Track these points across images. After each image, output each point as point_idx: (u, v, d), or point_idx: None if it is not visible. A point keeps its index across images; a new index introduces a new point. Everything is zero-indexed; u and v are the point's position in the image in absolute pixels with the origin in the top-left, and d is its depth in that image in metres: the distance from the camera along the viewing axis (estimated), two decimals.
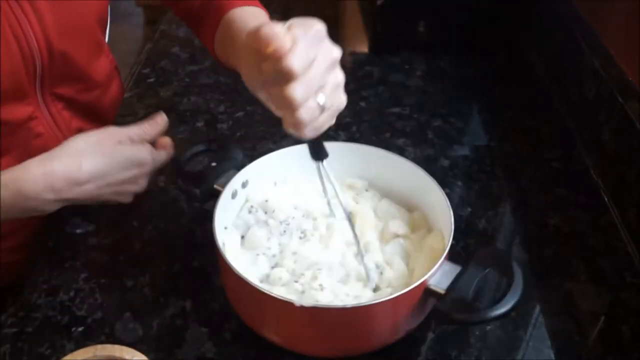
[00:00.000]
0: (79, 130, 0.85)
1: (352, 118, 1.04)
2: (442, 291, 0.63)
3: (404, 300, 0.63)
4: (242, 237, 0.74)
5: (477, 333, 0.71)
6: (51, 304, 0.73)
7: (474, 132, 1.04)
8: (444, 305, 0.62)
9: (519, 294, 0.62)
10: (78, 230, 0.83)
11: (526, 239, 0.84)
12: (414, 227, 0.76)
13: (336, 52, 0.58)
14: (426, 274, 0.63)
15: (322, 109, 0.57)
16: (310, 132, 0.58)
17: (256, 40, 0.53)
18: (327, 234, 0.73)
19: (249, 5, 0.82)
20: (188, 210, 0.86)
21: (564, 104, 1.07)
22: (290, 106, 0.55)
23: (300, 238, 0.72)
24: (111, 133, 0.76)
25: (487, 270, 0.64)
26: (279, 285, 0.68)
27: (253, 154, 0.77)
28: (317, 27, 0.56)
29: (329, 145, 0.65)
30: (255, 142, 0.98)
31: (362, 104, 1.08)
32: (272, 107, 0.60)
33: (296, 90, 0.54)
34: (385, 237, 0.74)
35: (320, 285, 0.66)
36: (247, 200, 0.76)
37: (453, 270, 0.64)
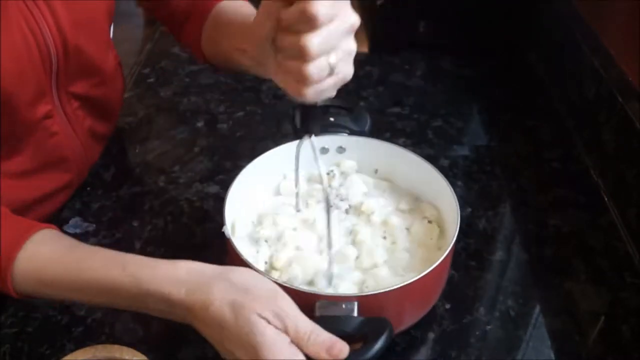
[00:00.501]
0: (90, 129, 0.86)
1: None
2: None
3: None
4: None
5: (477, 333, 0.71)
6: (51, 304, 0.73)
7: (474, 132, 1.04)
8: None
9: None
10: (78, 230, 0.83)
11: (526, 239, 0.84)
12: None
13: (355, 18, 0.57)
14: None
15: (331, 71, 0.56)
16: (312, 94, 0.57)
17: None
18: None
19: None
20: (188, 210, 0.86)
21: (564, 104, 1.07)
22: (303, 56, 0.54)
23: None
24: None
25: None
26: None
27: (253, 154, 0.77)
28: None
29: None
30: (255, 142, 0.98)
31: (362, 104, 1.08)
32: (279, 77, 0.59)
33: (314, 40, 0.53)
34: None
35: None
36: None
37: None
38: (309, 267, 0.69)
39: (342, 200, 0.78)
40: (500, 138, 1.02)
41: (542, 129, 1.04)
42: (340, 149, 0.81)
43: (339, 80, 0.59)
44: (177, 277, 0.58)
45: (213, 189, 0.90)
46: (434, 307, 0.72)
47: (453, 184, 0.77)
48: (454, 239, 0.66)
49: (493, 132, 1.03)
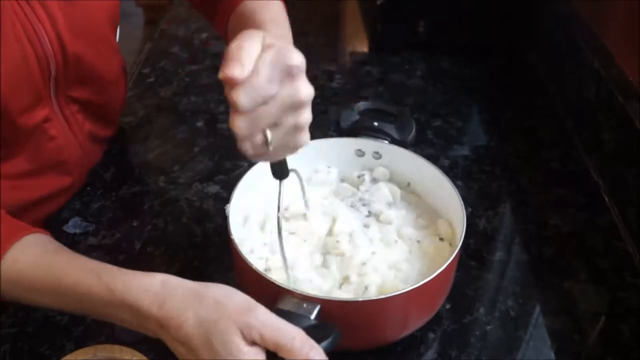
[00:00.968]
0: (90, 133, 0.85)
1: None
2: None
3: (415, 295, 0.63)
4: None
5: (477, 333, 0.71)
6: None
7: (474, 132, 1.04)
8: None
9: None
10: (78, 230, 0.83)
11: (526, 239, 0.84)
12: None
13: (305, 93, 0.54)
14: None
15: (270, 146, 0.55)
16: (260, 161, 0.57)
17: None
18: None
19: None
20: (188, 210, 0.86)
21: (564, 104, 1.07)
22: (234, 134, 0.54)
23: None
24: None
25: None
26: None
27: None
28: (293, 63, 0.52)
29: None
30: None
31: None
32: None
33: (239, 123, 0.52)
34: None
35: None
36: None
37: None
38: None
39: (364, 205, 0.78)
40: (500, 138, 1.02)
41: (542, 129, 1.04)
42: (376, 155, 0.80)
43: (288, 149, 0.58)
44: (152, 289, 0.57)
45: (213, 189, 0.90)
46: None
47: (453, 183, 0.77)
48: (457, 250, 0.66)
49: (493, 132, 1.03)
